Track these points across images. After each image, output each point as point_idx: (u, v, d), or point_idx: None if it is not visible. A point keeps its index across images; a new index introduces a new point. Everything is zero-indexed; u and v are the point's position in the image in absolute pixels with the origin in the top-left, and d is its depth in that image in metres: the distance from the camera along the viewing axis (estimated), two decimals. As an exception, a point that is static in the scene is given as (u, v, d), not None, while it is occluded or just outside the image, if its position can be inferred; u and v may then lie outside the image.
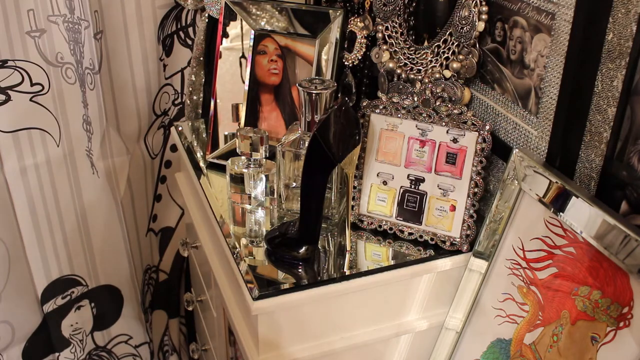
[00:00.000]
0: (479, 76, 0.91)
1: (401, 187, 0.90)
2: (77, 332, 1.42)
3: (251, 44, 1.04)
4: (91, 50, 1.15)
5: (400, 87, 0.96)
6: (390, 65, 0.96)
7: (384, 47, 0.98)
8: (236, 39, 1.07)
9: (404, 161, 0.90)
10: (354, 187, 0.92)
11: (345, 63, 1.02)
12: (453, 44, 0.89)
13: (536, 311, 0.75)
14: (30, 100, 1.19)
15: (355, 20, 1.01)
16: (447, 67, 0.90)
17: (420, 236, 0.89)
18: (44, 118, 1.21)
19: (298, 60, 1.02)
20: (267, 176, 0.91)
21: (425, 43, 0.95)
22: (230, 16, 1.07)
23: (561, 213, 0.72)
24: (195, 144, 1.16)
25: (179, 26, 1.28)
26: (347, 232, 0.88)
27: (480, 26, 0.86)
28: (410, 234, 0.90)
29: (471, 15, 0.85)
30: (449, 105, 0.87)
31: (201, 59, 1.24)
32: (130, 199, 1.37)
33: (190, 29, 1.30)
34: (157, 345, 1.60)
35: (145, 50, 1.24)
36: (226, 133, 1.10)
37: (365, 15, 1.01)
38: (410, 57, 0.95)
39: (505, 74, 0.85)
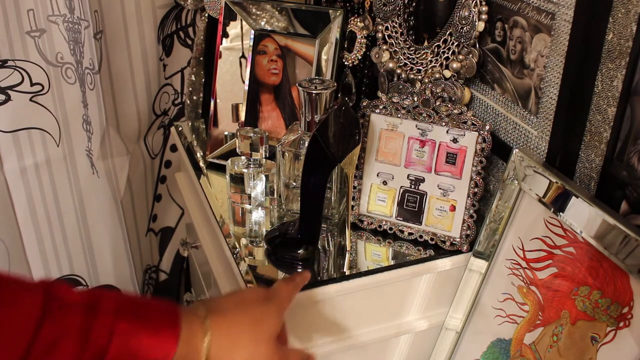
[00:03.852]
0: (479, 76, 0.91)
1: (401, 187, 0.90)
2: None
3: (251, 44, 1.04)
4: (91, 50, 1.15)
5: (400, 87, 0.96)
6: (390, 65, 0.96)
7: (384, 47, 0.98)
8: (236, 39, 1.07)
9: (404, 161, 0.90)
10: (354, 187, 0.92)
11: (345, 63, 1.02)
12: (453, 44, 0.89)
13: (536, 311, 0.75)
14: (30, 100, 1.19)
15: (355, 20, 1.01)
16: (447, 67, 0.90)
17: (420, 236, 0.89)
18: (44, 118, 1.21)
19: (298, 60, 1.02)
20: (267, 176, 0.91)
21: (425, 43, 0.95)
22: (230, 16, 1.07)
23: (561, 213, 0.72)
24: (195, 144, 1.16)
25: (179, 26, 1.28)
26: (347, 232, 0.88)
27: (480, 26, 0.86)
28: (410, 234, 0.90)
29: (471, 15, 0.85)
30: (449, 105, 0.87)
31: (201, 59, 1.24)
32: (130, 199, 1.37)
33: (190, 29, 1.30)
34: (157, 345, 1.60)
35: (145, 50, 1.24)
36: (226, 133, 1.10)
37: (365, 15, 1.01)
38: (410, 57, 0.95)
39: (505, 74, 0.85)
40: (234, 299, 0.67)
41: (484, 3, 0.84)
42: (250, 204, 0.93)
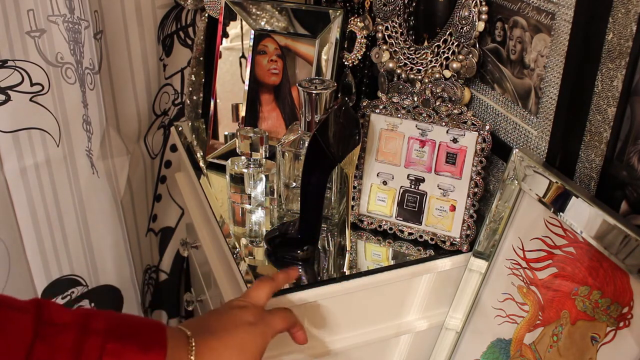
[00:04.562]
0: (479, 76, 0.91)
1: (401, 187, 0.90)
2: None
3: (251, 44, 1.04)
4: (91, 50, 1.15)
5: (400, 87, 0.96)
6: (390, 65, 0.96)
7: (384, 47, 0.98)
8: (236, 39, 1.07)
9: (404, 161, 0.90)
10: (354, 187, 0.92)
11: (345, 63, 1.02)
12: (453, 44, 0.89)
13: (536, 311, 0.75)
14: (30, 100, 1.19)
15: (355, 20, 1.01)
16: (447, 67, 0.90)
17: (420, 236, 0.89)
18: (44, 118, 1.21)
19: (298, 60, 1.02)
20: (267, 176, 0.91)
21: (425, 43, 0.95)
22: (230, 16, 1.07)
23: (561, 213, 0.72)
24: (195, 144, 1.16)
25: (179, 26, 1.28)
26: (347, 232, 0.88)
27: (480, 26, 0.86)
28: (410, 234, 0.90)
29: (471, 15, 0.85)
30: (449, 105, 0.87)
31: (201, 59, 1.24)
32: (130, 199, 1.37)
33: (190, 29, 1.30)
34: (157, 345, 1.60)
35: (145, 50, 1.24)
36: (226, 133, 1.10)
37: (365, 15, 1.01)
38: (410, 57, 0.95)
39: (505, 74, 0.85)
40: (222, 322, 0.68)
41: (484, 3, 0.84)
42: (250, 204, 0.93)
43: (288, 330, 0.74)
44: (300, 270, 0.81)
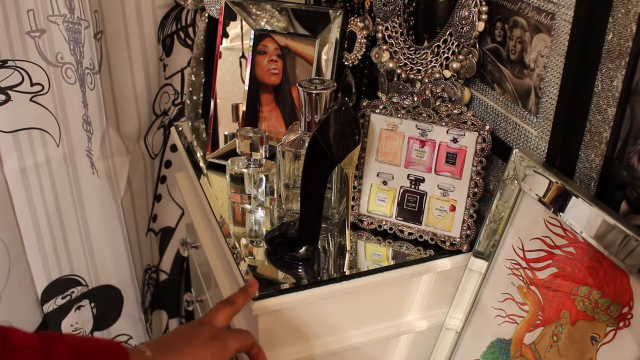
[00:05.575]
0: (479, 76, 0.91)
1: (401, 187, 0.90)
2: (77, 332, 1.42)
3: (251, 44, 1.04)
4: (91, 50, 1.15)
5: (400, 87, 0.96)
6: (390, 65, 0.96)
7: (384, 47, 0.98)
8: (236, 39, 1.07)
9: (403, 161, 0.90)
10: (354, 187, 0.92)
11: (345, 63, 1.02)
12: (453, 44, 0.89)
13: (536, 311, 0.75)
14: (30, 100, 1.19)
15: (355, 20, 1.01)
16: (447, 67, 0.90)
17: (420, 236, 0.89)
18: (44, 118, 1.21)
19: (298, 60, 1.02)
20: (267, 176, 0.91)
21: (425, 43, 0.95)
22: (230, 16, 1.07)
23: (561, 213, 0.72)
24: (195, 144, 1.16)
25: (179, 26, 1.28)
26: (347, 232, 0.88)
27: (480, 26, 0.86)
28: (410, 234, 0.90)
29: (471, 15, 0.85)
30: (449, 105, 0.87)
31: (201, 59, 1.24)
32: (130, 199, 1.37)
33: (190, 29, 1.30)
34: (157, 345, 1.60)
35: (145, 50, 1.24)
36: (226, 133, 1.10)
37: (365, 15, 1.01)
38: (410, 57, 0.95)
39: (505, 74, 0.85)
40: (181, 339, 0.70)
41: (484, 3, 0.84)
42: (250, 204, 0.93)
43: (246, 351, 0.75)
44: (257, 282, 0.79)
